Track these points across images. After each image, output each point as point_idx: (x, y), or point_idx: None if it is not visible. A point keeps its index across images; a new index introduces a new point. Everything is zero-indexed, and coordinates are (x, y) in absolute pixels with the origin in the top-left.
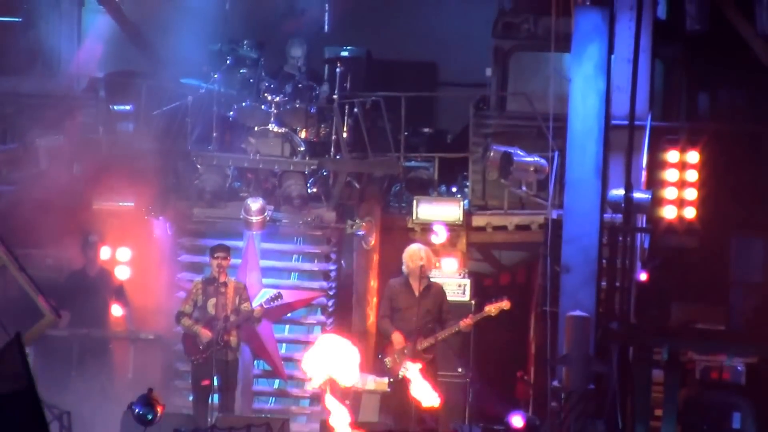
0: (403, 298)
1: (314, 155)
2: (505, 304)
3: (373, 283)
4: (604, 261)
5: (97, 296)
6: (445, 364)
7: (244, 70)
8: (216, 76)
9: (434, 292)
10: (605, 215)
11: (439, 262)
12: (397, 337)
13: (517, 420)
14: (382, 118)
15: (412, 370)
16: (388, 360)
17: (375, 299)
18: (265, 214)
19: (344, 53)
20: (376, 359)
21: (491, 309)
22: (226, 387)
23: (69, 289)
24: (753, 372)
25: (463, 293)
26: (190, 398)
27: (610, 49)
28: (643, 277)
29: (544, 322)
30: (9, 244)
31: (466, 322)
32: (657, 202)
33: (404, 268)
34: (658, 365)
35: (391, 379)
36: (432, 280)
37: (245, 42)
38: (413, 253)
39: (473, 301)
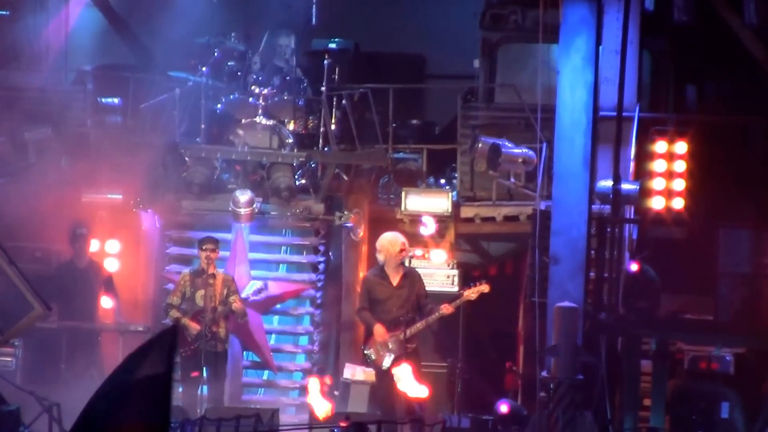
0: (380, 290)
1: (302, 147)
2: (484, 287)
3: (362, 275)
4: (592, 252)
5: (86, 288)
6: (433, 355)
7: (232, 63)
8: (204, 68)
9: (411, 280)
10: (593, 206)
11: (428, 253)
12: (379, 329)
13: (503, 407)
14: (370, 110)
15: (397, 362)
16: (370, 352)
17: None
18: (254, 206)
19: (332, 45)
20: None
21: (470, 293)
22: (215, 378)
23: (58, 281)
24: (741, 362)
25: (452, 284)
26: (180, 390)
27: (598, 41)
28: (634, 267)
29: (533, 313)
30: None
31: (447, 308)
32: (645, 193)
33: (379, 257)
34: (647, 355)
35: (376, 371)
36: (418, 269)
37: (233, 34)
38: (387, 242)
39: (462, 292)
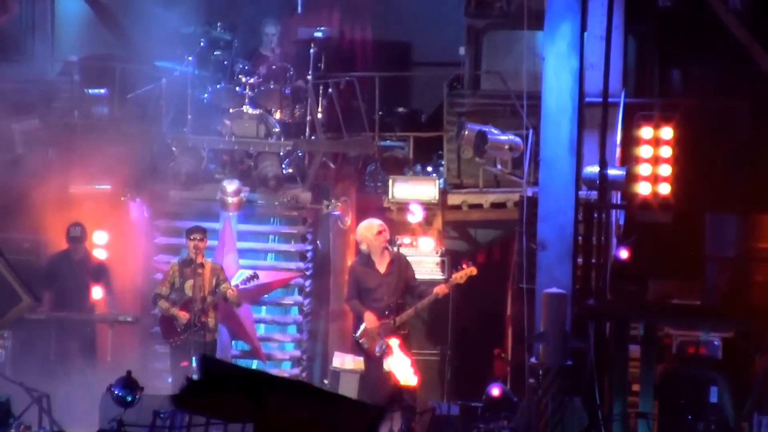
0: (368, 278)
1: (289, 136)
2: (471, 270)
3: (350, 263)
4: (579, 238)
5: (79, 280)
6: (423, 342)
7: (218, 52)
8: (190, 58)
9: (398, 265)
10: (580, 192)
11: (415, 240)
12: (369, 317)
13: (494, 390)
14: (356, 99)
15: (391, 348)
16: (363, 341)
17: None
18: (241, 195)
19: (318, 34)
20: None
21: (458, 276)
22: None
23: (51, 271)
24: (729, 346)
25: (440, 271)
26: (169, 380)
27: (583, 27)
28: (624, 254)
29: (521, 300)
30: None
31: (442, 289)
32: (631, 178)
33: (362, 247)
34: (635, 341)
35: (369, 359)
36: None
37: (219, 24)
38: (364, 229)
39: (449, 276)
